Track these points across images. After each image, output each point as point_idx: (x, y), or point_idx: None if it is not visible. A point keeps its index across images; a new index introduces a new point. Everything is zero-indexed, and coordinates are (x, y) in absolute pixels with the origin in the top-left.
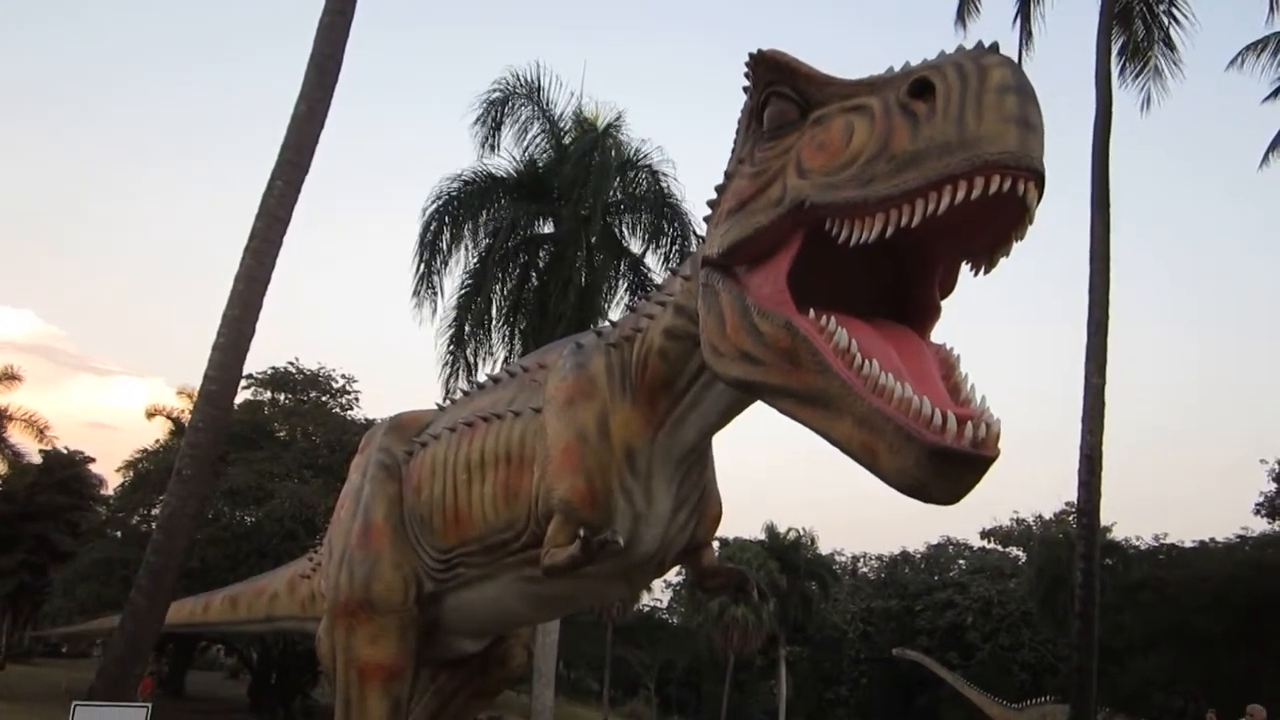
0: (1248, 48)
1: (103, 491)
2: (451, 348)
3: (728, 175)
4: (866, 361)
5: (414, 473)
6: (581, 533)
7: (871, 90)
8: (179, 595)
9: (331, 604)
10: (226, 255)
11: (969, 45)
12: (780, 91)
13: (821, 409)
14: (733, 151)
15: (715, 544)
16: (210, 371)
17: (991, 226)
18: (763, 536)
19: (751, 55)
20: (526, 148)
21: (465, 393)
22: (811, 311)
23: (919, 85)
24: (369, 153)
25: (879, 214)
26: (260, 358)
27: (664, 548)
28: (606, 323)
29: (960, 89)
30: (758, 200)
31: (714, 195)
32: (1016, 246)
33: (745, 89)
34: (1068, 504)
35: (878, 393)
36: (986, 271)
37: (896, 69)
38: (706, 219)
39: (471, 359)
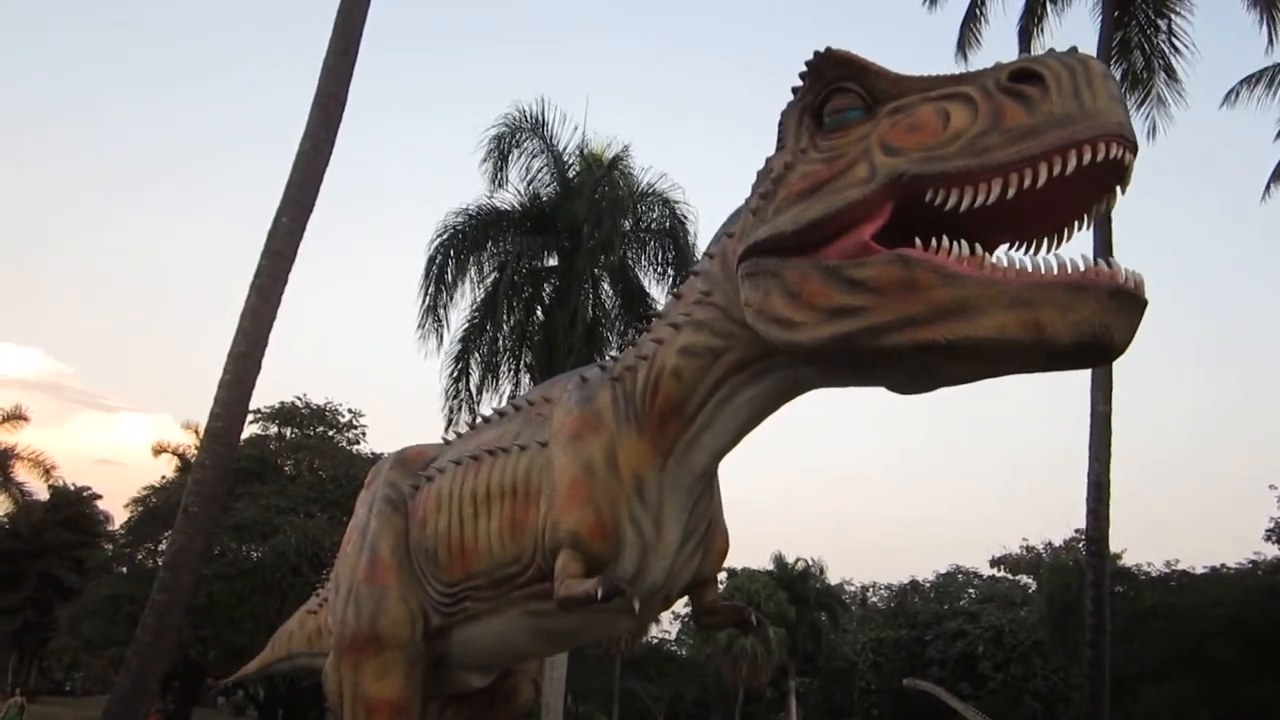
0: (1243, 81)
1: (109, 528)
2: (456, 381)
3: (786, 166)
4: (993, 258)
5: (420, 507)
6: (600, 586)
7: (961, 81)
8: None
9: (338, 639)
10: (235, 290)
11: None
12: (846, 87)
13: (956, 318)
14: (781, 145)
15: (723, 574)
16: (216, 409)
17: (1075, 201)
18: (771, 567)
19: (817, 54)
20: (531, 181)
21: (471, 427)
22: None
23: (1023, 72)
24: (374, 182)
25: (996, 179)
26: (267, 392)
27: (670, 580)
28: (610, 357)
29: (1070, 74)
30: (841, 179)
31: (749, 194)
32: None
33: (795, 88)
34: (1077, 530)
35: (1021, 274)
36: (1061, 244)
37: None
38: (734, 217)
39: (476, 392)
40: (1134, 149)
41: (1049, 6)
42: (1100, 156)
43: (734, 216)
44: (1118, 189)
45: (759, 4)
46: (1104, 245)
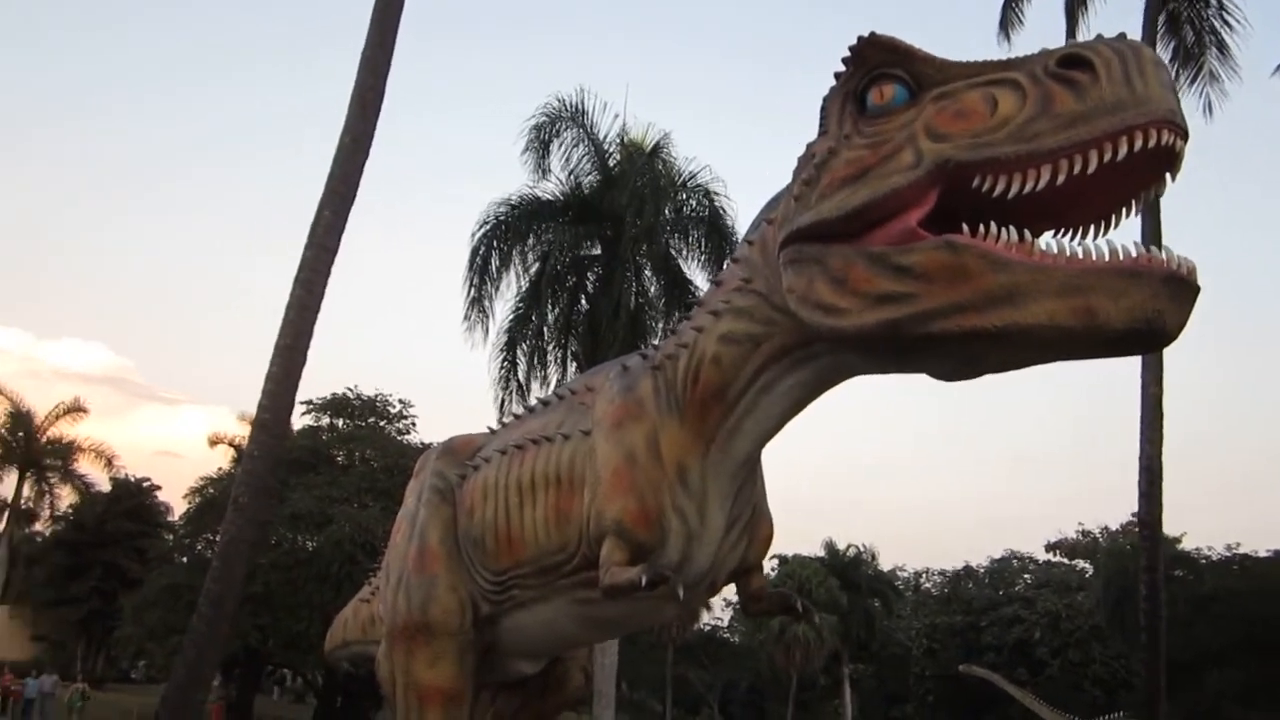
0: None
1: (169, 518)
2: (504, 370)
3: (830, 151)
4: (1041, 245)
5: (467, 496)
6: (645, 574)
7: (1008, 67)
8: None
9: (390, 628)
10: (287, 282)
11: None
12: (891, 73)
13: (1005, 304)
14: (823, 130)
15: (774, 560)
16: (264, 400)
17: (1121, 187)
18: (822, 553)
19: (860, 39)
20: (572, 171)
21: (516, 416)
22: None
23: (1072, 58)
24: (419, 170)
25: (1046, 165)
26: (318, 383)
27: (716, 566)
28: (651, 345)
29: (1120, 61)
30: (886, 165)
31: (790, 180)
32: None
33: (838, 74)
34: (1134, 514)
35: (1072, 260)
36: (1106, 232)
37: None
38: (774, 203)
39: (525, 381)
40: (1185, 135)
41: None
42: (1152, 143)
43: (773, 202)
44: (1168, 176)
45: None
46: (1154, 226)
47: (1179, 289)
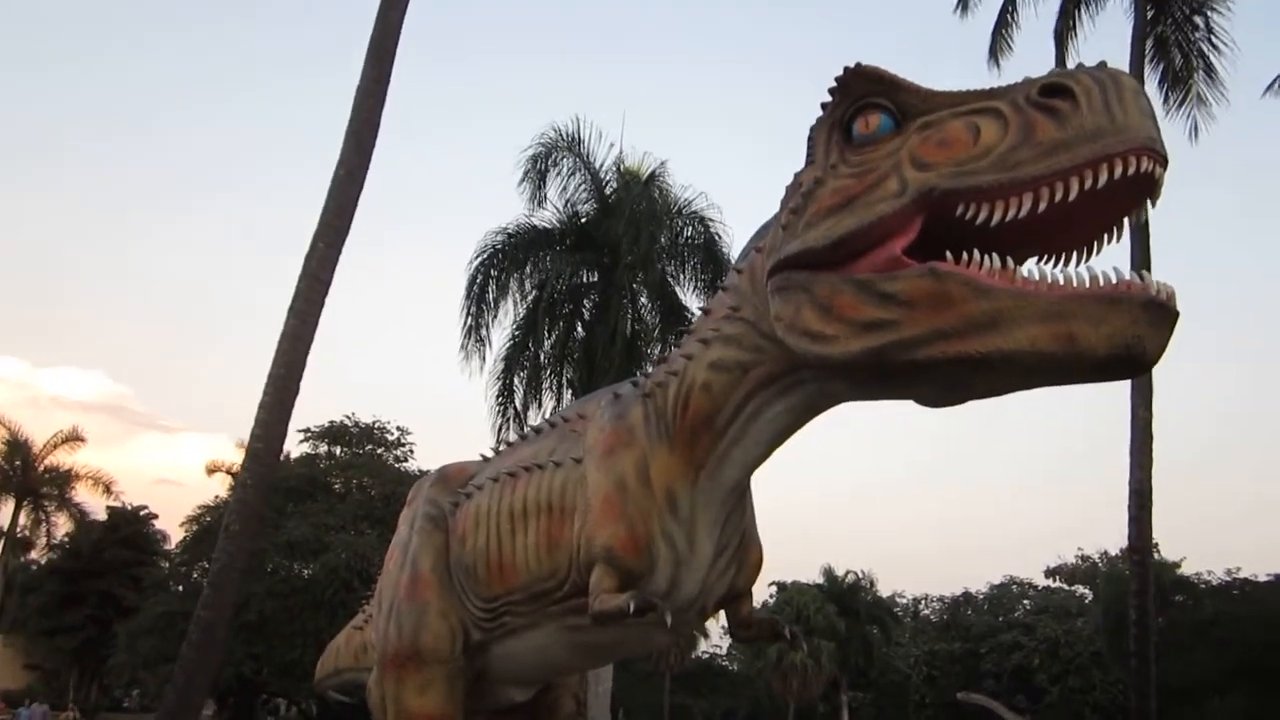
0: None
1: (166, 546)
2: (501, 399)
3: (816, 181)
4: (1024, 270)
5: (459, 523)
6: (633, 601)
7: (991, 96)
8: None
9: (381, 655)
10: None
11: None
12: (876, 103)
13: (988, 331)
14: (810, 160)
15: (773, 587)
16: (257, 430)
17: (1105, 214)
18: (821, 580)
19: (846, 69)
20: (569, 199)
21: (509, 443)
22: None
23: (1053, 87)
24: (416, 196)
25: (1028, 193)
26: (316, 410)
27: (705, 592)
28: (643, 373)
29: (1100, 89)
30: (872, 194)
31: (779, 209)
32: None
33: (824, 104)
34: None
35: (1054, 287)
36: (1091, 257)
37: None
38: (762, 231)
39: (522, 409)
40: (1164, 162)
41: (1082, 9)
42: (1131, 170)
43: (762, 230)
44: (1149, 202)
45: (792, 17)
46: (1142, 249)
47: (1158, 315)
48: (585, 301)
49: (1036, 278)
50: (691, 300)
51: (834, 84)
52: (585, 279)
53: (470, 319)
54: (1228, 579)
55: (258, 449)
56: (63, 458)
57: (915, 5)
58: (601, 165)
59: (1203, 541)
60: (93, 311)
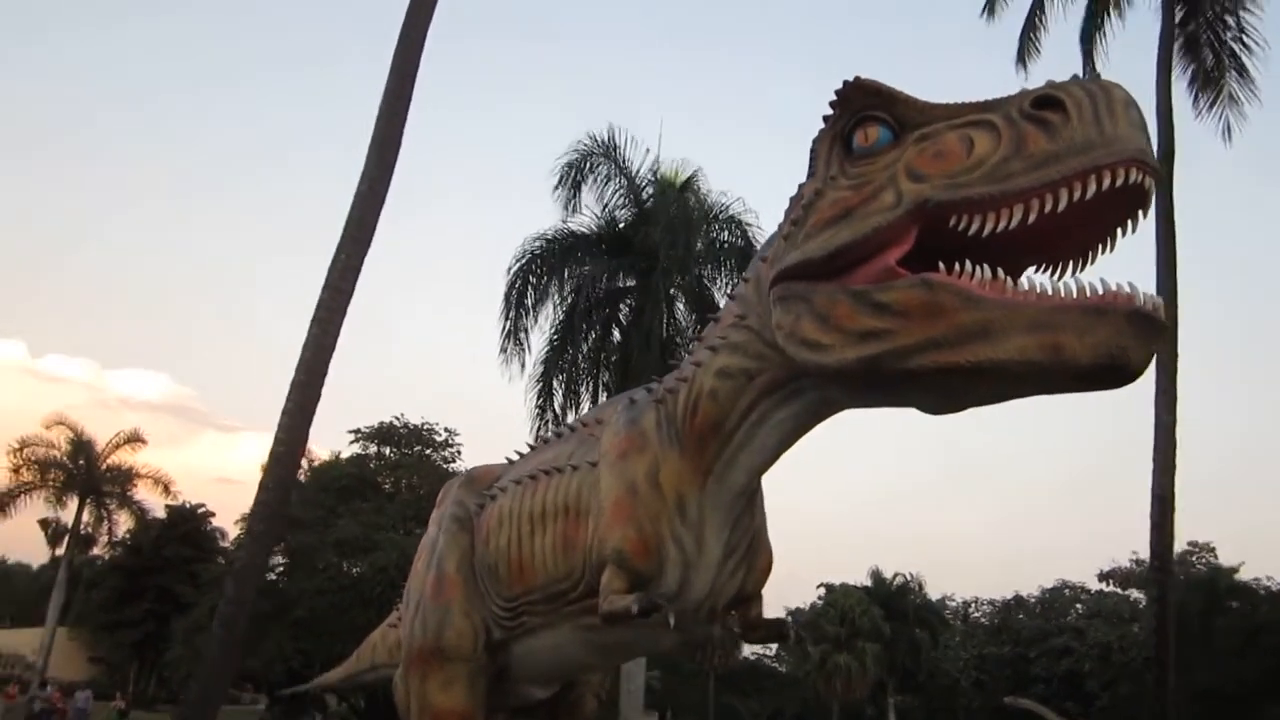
0: None
1: (223, 544)
2: (540, 401)
3: (816, 193)
4: (1014, 281)
5: (483, 524)
6: (636, 602)
7: (986, 109)
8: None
9: (406, 651)
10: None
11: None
12: (875, 115)
13: (979, 340)
14: (812, 172)
15: (820, 589)
16: (280, 434)
17: (1101, 223)
18: (868, 582)
19: (845, 83)
20: (606, 205)
21: (532, 447)
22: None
23: (1045, 100)
24: (451, 207)
25: (1018, 204)
26: (366, 412)
27: (714, 594)
28: (657, 380)
29: (1091, 102)
30: (868, 206)
31: (783, 219)
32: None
33: (826, 117)
34: (1190, 543)
35: (1042, 297)
36: (1082, 269)
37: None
38: (769, 242)
39: (560, 412)
40: (1155, 174)
41: (1111, 10)
42: (1120, 182)
43: (769, 242)
44: (1139, 213)
45: (831, 21)
46: (1168, 247)
47: (1143, 325)
48: (622, 306)
49: (1027, 288)
50: None
51: (834, 97)
52: (622, 283)
53: (509, 323)
54: None
55: (280, 452)
56: (124, 457)
57: (946, 8)
58: (637, 171)
59: (1267, 546)
60: (159, 314)
